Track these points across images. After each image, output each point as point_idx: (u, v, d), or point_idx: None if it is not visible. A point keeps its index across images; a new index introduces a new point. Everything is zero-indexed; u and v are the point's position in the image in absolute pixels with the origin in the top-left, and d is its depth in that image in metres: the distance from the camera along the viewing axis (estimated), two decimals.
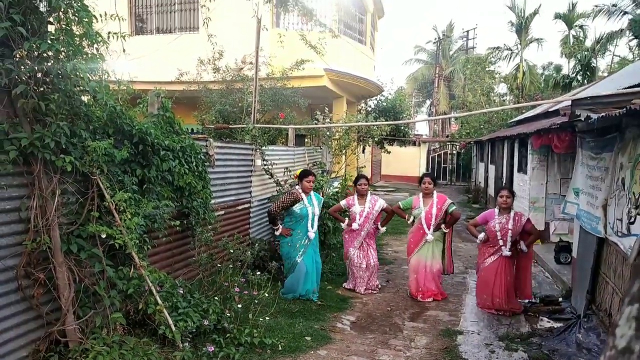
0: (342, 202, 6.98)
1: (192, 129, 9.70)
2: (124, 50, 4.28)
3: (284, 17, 12.46)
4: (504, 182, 13.19)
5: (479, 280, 6.33)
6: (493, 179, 15.36)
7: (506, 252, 6.01)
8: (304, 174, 6.40)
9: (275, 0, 6.68)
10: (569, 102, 5.03)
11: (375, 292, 6.78)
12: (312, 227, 6.30)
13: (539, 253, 8.55)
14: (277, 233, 6.33)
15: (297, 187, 6.48)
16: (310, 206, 6.31)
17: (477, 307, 6.25)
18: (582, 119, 4.30)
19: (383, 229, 6.99)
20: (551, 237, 9.45)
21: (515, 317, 5.92)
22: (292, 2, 6.57)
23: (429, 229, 6.50)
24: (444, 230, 6.57)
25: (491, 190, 15.30)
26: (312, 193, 6.46)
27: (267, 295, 5.17)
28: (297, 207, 6.26)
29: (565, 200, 6.61)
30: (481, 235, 6.22)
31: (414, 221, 6.71)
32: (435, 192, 6.66)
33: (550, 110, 11.17)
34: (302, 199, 6.28)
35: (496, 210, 6.23)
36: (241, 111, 9.71)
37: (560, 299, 6.32)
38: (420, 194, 6.71)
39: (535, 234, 6.23)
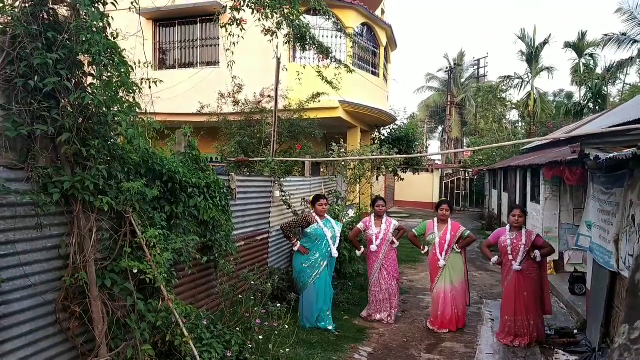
0: (360, 225, 7.25)
1: (211, 158, 10.01)
2: (149, 87, 4.54)
3: (301, 53, 12.92)
4: None
5: (502, 302, 6.40)
6: (506, 206, 15.41)
7: (516, 266, 6.10)
8: (316, 199, 6.83)
9: (293, 38, 6.99)
10: (568, 135, 5.20)
11: (390, 322, 6.90)
12: (333, 247, 6.64)
13: (554, 283, 8.58)
14: (294, 249, 6.67)
15: (311, 211, 6.83)
16: (327, 228, 6.64)
17: (497, 339, 6.28)
18: (592, 158, 4.45)
19: (397, 243, 7.23)
20: (566, 266, 9.49)
21: (531, 349, 5.98)
22: (309, 41, 6.86)
23: (441, 254, 6.66)
24: (457, 250, 6.71)
25: (505, 218, 15.32)
26: (330, 218, 6.84)
27: (287, 326, 5.31)
28: (310, 229, 6.61)
29: (578, 232, 6.71)
30: (494, 259, 6.35)
31: (427, 252, 6.87)
32: (450, 219, 6.84)
33: (561, 139, 11.32)
34: (316, 221, 6.64)
35: (507, 227, 6.36)
36: (259, 142, 10.02)
37: (576, 331, 6.37)
38: (435, 219, 6.91)
39: (548, 247, 6.27)
